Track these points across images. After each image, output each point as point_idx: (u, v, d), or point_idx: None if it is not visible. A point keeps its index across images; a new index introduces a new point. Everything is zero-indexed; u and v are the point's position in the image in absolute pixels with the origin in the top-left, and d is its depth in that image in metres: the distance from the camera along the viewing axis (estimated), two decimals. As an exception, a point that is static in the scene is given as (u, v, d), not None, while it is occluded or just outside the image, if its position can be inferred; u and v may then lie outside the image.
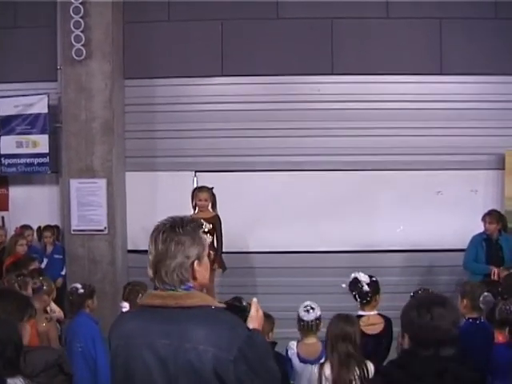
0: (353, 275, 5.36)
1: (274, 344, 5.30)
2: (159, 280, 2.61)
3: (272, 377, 2.63)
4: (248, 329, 2.64)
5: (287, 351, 5.31)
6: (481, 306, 4.94)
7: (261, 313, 2.81)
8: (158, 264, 2.60)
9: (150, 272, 2.63)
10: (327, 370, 4.51)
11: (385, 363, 4.21)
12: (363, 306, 5.29)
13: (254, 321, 2.75)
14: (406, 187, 8.72)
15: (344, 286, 5.42)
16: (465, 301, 5.05)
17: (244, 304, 2.85)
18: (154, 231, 2.65)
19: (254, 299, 2.83)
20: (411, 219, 8.67)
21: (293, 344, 5.34)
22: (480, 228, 7.89)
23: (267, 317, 5.44)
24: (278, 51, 8.79)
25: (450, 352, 2.83)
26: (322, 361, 4.73)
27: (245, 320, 2.71)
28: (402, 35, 8.78)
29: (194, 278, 2.64)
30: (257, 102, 8.77)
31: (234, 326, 2.58)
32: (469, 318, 4.98)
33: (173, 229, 2.62)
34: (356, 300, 5.32)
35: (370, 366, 4.50)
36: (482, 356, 4.54)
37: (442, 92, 8.72)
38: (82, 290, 5.78)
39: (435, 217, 8.61)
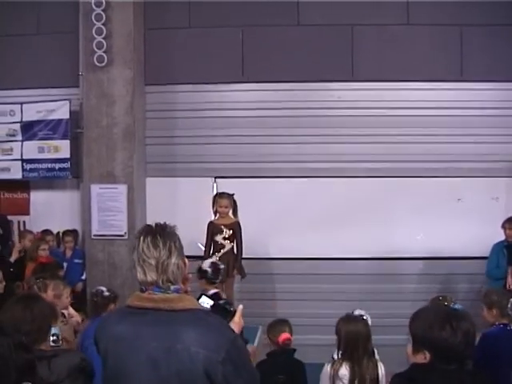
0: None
1: (293, 351, 5.32)
2: (159, 283, 2.69)
3: (252, 377, 2.79)
4: (233, 331, 2.78)
5: None
6: (510, 312, 4.97)
7: (242, 321, 2.98)
8: (161, 267, 2.70)
9: (154, 275, 2.69)
10: (342, 370, 4.50)
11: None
12: None
13: (236, 326, 2.92)
14: (427, 194, 8.66)
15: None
16: (494, 310, 5.08)
17: (232, 309, 2.99)
18: (145, 235, 2.75)
19: (240, 306, 3.00)
20: (431, 226, 8.61)
21: None
22: (501, 236, 7.85)
23: (284, 322, 5.49)
24: (299, 58, 8.79)
25: (469, 366, 2.82)
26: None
27: (227, 323, 2.87)
28: (422, 42, 8.75)
29: (186, 279, 2.84)
30: (277, 109, 8.77)
31: (221, 329, 2.70)
32: (499, 324, 5.00)
33: (165, 232, 2.77)
34: None
35: (382, 368, 4.52)
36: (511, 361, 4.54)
37: (462, 99, 8.66)
38: (107, 293, 5.90)
39: (455, 224, 8.55)
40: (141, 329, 2.64)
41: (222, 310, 2.95)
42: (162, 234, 2.75)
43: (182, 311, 2.66)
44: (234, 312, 2.95)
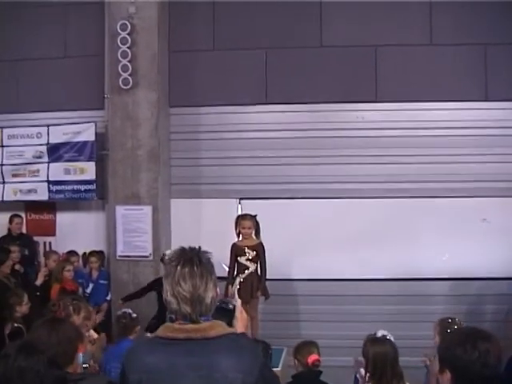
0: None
1: (319, 373, 5.28)
2: (192, 316, 2.66)
3: None
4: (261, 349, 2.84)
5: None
6: None
7: (244, 314, 3.00)
8: (197, 300, 2.66)
9: (188, 308, 2.65)
10: None
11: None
12: None
13: (239, 322, 2.98)
14: (451, 214, 8.59)
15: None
16: None
17: (230, 306, 3.00)
18: (182, 265, 2.68)
19: (239, 300, 3.06)
20: (457, 247, 8.54)
21: None
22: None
23: (312, 343, 5.46)
24: (322, 79, 8.83)
25: None
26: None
27: (230, 320, 2.90)
28: (446, 61, 8.73)
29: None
30: (300, 130, 8.81)
31: (253, 350, 2.75)
32: None
33: (202, 263, 2.70)
34: None
35: None
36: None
37: (487, 118, 8.62)
38: (134, 315, 5.97)
39: (481, 244, 8.48)
40: (176, 360, 2.61)
41: (221, 310, 2.93)
42: (199, 264, 2.68)
43: (214, 338, 2.64)
44: (234, 309, 2.94)
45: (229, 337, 2.68)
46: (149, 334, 5.87)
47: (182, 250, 2.76)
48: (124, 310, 6.25)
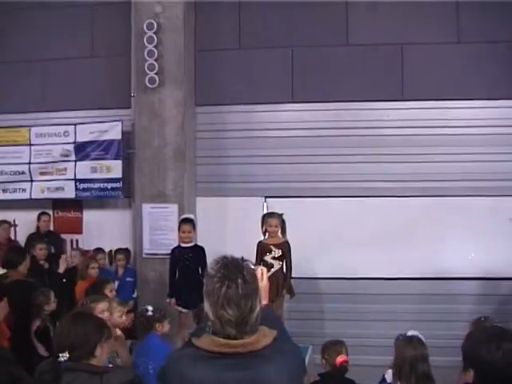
0: None
1: (344, 371, 5.26)
2: (237, 337, 2.58)
3: None
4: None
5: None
6: None
7: (265, 282, 2.96)
8: (241, 323, 2.58)
9: (232, 331, 2.57)
10: None
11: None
12: None
13: (264, 293, 2.92)
14: (477, 213, 8.53)
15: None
16: None
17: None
18: (227, 285, 2.57)
19: (264, 269, 2.95)
20: (483, 246, 8.48)
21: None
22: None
23: (340, 343, 5.44)
24: (348, 77, 8.81)
25: None
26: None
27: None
28: (472, 60, 8.66)
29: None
30: (326, 128, 8.79)
31: (295, 353, 2.79)
32: None
33: (247, 282, 2.60)
34: None
35: None
36: None
37: (514, 116, 8.56)
38: (151, 313, 5.94)
39: (507, 244, 8.41)
40: (223, 374, 2.54)
41: None
42: (244, 284, 2.57)
43: (261, 350, 2.59)
44: None
45: (273, 346, 2.62)
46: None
47: (225, 264, 2.64)
48: (144, 307, 6.21)
